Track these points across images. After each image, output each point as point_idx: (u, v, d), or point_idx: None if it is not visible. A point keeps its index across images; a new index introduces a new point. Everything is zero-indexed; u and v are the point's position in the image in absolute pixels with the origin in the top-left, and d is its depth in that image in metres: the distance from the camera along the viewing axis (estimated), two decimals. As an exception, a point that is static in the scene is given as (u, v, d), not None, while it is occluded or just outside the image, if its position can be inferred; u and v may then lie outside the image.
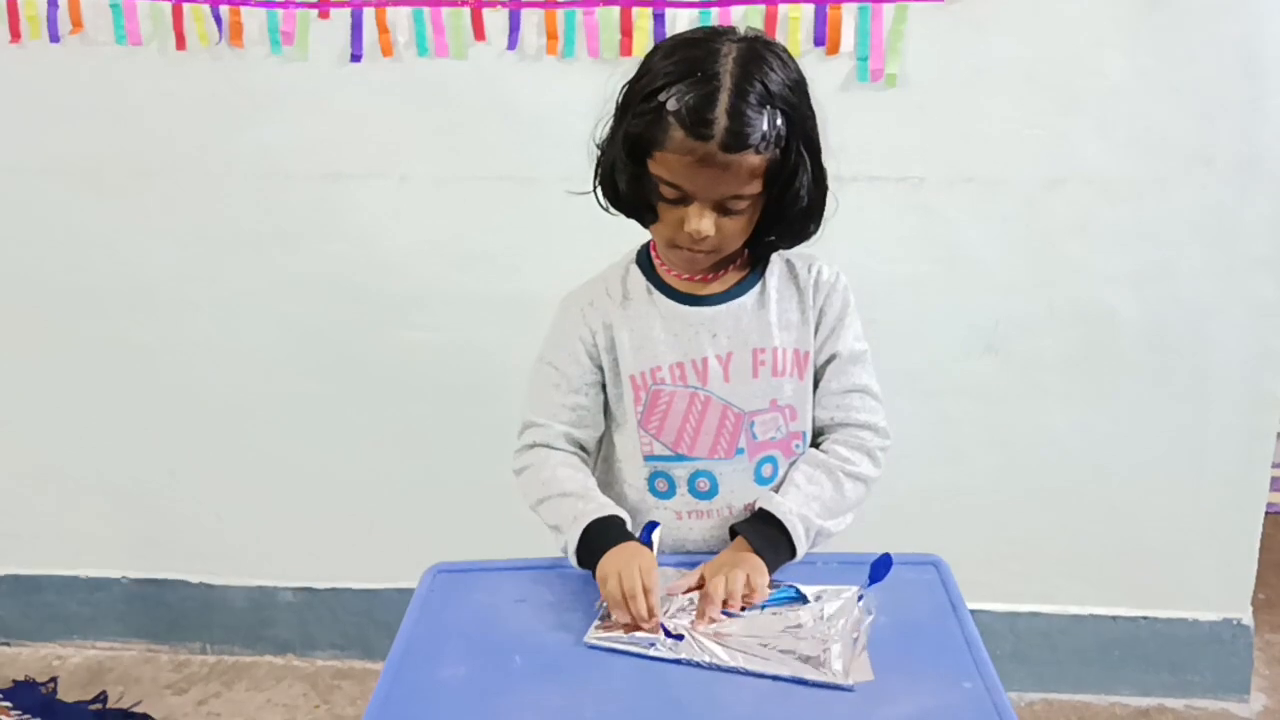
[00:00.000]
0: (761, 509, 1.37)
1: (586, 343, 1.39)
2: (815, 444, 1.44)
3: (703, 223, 1.23)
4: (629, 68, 1.27)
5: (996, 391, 2.20)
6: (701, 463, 1.39)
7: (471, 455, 2.29)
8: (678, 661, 1.19)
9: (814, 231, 1.32)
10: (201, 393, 2.37)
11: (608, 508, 1.34)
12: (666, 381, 1.37)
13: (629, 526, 1.34)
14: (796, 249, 1.38)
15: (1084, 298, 2.13)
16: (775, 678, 1.16)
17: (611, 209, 1.32)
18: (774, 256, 1.39)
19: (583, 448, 1.44)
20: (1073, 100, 2.01)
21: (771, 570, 1.32)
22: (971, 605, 1.30)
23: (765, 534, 1.33)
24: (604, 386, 1.42)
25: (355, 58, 2.08)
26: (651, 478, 1.41)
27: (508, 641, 1.24)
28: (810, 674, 1.16)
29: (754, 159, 1.20)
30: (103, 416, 2.41)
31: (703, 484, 1.40)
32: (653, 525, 1.35)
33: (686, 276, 1.37)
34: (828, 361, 1.40)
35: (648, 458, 1.40)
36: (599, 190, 1.32)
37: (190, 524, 2.48)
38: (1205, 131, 2.01)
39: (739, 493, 1.40)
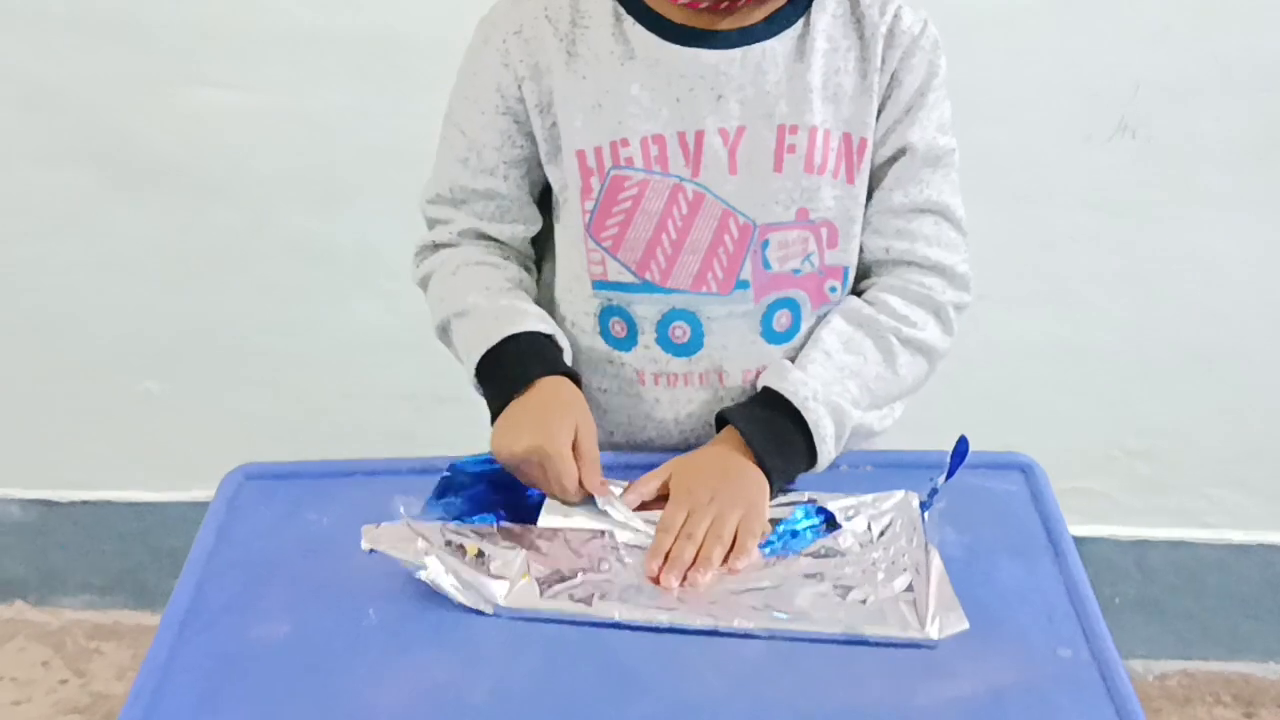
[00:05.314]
0: (768, 388, 1.36)
1: (508, 95, 1.39)
2: (856, 290, 1.44)
3: None
4: None
5: (1128, 197, 2.20)
6: (680, 297, 1.39)
7: (293, 295, 2.35)
8: (654, 629, 1.20)
9: None
10: None
11: (515, 320, 1.38)
12: (636, 164, 1.36)
13: (564, 348, 1.40)
14: None
15: (1268, 49, 2.12)
16: (814, 639, 1.18)
17: None
18: None
19: (504, 246, 1.48)
20: None
21: (779, 487, 1.32)
22: (1077, 529, 1.32)
23: (772, 428, 1.33)
24: (541, 165, 1.43)
25: None
26: (604, 315, 1.43)
27: (355, 583, 1.25)
28: (871, 628, 1.18)
29: None
30: None
31: (679, 330, 1.41)
32: None
33: (687, 3, 1.34)
34: (893, 158, 1.40)
35: (598, 284, 1.41)
36: None
37: None
38: None
39: (734, 350, 1.41)
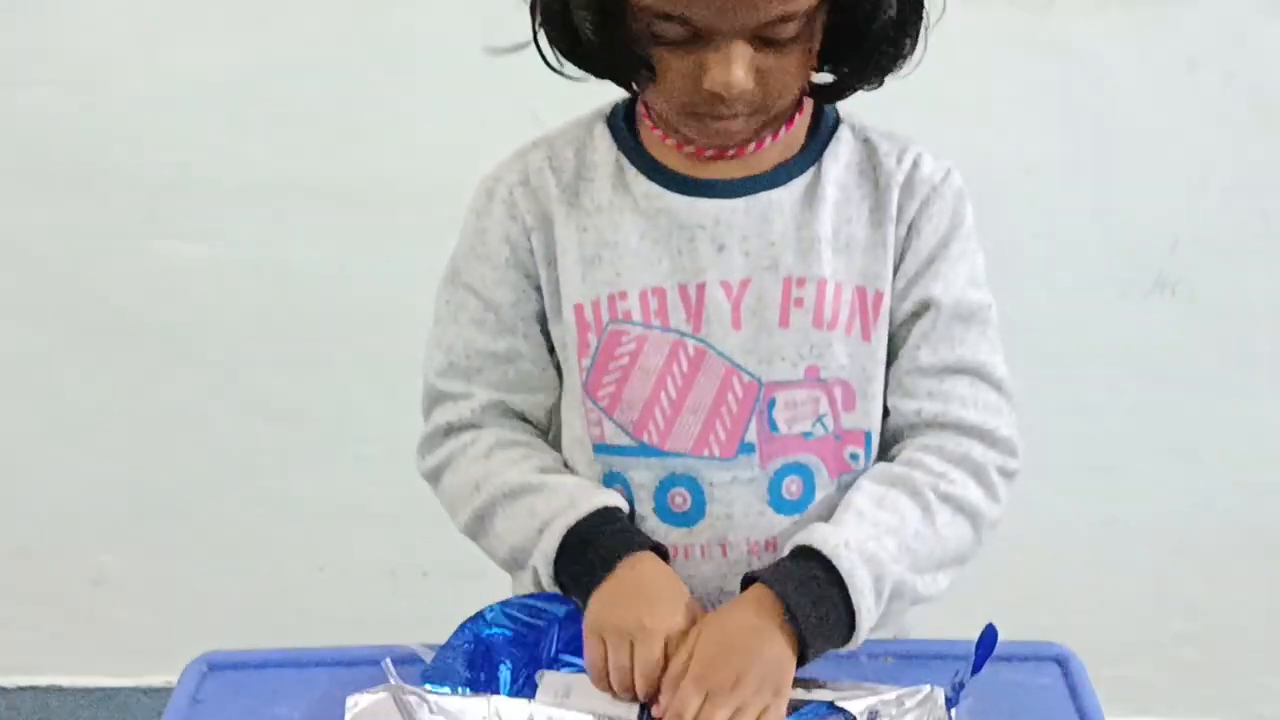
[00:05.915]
0: (796, 546, 1.30)
1: (519, 246, 1.40)
2: (885, 457, 1.41)
3: (734, 70, 1.21)
4: None
5: (1167, 357, 2.19)
6: (679, 461, 1.37)
7: (262, 461, 2.34)
8: None
9: (907, 55, 1.28)
10: None
11: (587, 498, 1.35)
12: (634, 318, 1.36)
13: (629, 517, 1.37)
14: (883, 128, 1.38)
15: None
16: None
17: (570, 71, 1.30)
18: (843, 129, 1.38)
19: (528, 423, 1.47)
20: None
21: (810, 658, 1.25)
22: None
23: (805, 585, 1.25)
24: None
25: None
26: (606, 481, 1.40)
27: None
28: None
29: None
30: None
31: (679, 498, 1.38)
32: None
33: (693, 151, 1.35)
34: (916, 313, 1.37)
35: (598, 447, 1.39)
36: (545, 43, 1.30)
37: None
38: None
39: (739, 520, 1.38)
